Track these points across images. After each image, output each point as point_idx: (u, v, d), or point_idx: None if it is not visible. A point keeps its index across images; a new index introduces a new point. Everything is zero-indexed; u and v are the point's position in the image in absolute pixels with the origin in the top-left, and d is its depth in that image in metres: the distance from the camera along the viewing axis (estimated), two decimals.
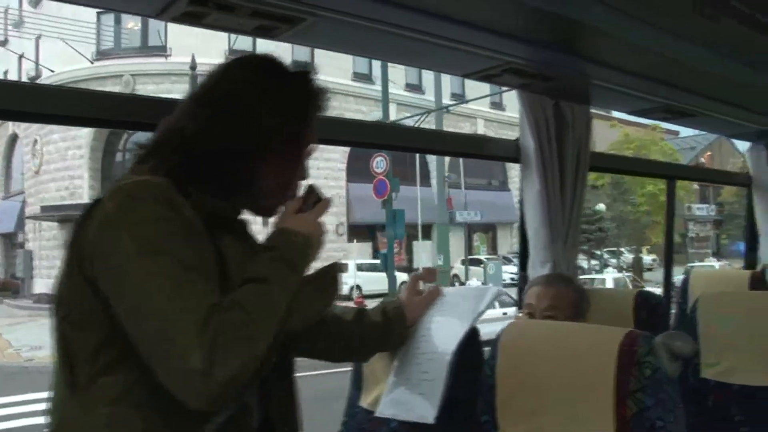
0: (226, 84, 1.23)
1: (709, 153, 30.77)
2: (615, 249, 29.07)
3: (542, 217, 2.50)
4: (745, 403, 2.06)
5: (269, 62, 1.26)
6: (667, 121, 3.29)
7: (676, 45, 2.03)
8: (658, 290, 3.84)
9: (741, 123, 3.42)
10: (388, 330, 1.55)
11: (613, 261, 28.81)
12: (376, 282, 18.83)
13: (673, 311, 3.36)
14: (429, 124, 17.92)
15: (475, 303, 1.59)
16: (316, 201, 1.27)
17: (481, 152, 2.59)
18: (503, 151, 2.64)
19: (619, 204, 27.36)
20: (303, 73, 1.27)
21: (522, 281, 2.56)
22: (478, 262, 24.17)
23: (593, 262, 27.75)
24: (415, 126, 14.23)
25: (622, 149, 25.94)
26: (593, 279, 20.41)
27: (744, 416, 2.06)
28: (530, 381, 1.45)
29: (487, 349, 1.62)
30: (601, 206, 27.18)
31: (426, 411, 1.53)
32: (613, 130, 24.72)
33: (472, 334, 1.62)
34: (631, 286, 17.49)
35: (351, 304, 16.07)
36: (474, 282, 20.26)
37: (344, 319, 1.52)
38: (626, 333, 1.34)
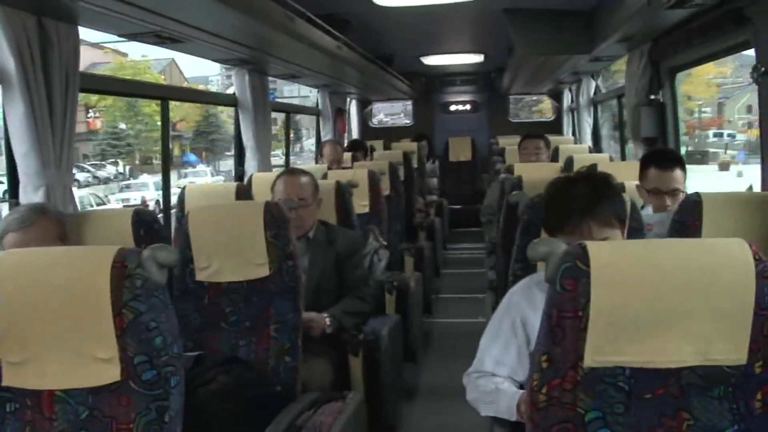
0: None
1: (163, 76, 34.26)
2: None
3: (31, 142, 2.41)
4: (232, 296, 2.40)
5: None
6: (159, 45, 3.41)
7: None
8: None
9: (226, 50, 3.77)
10: None
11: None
12: None
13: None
14: None
15: None
16: None
17: None
18: None
19: (135, 123, 32.76)
20: None
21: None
22: None
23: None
24: None
25: (117, 75, 27.69)
26: (133, 183, 25.18)
27: (232, 307, 2.40)
28: (27, 310, 1.47)
29: None
30: (123, 125, 32.53)
31: None
32: (107, 55, 26.04)
33: None
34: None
35: None
36: None
37: None
38: (116, 251, 1.45)
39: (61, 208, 2.49)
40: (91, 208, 14.68)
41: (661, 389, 1.26)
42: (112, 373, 1.45)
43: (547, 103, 16.30)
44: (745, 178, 19.02)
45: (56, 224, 2.14)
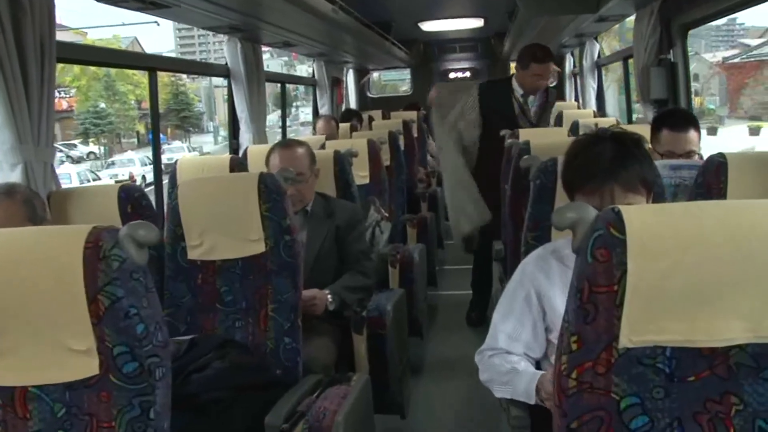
0: None
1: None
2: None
3: (5, 115, 2.24)
4: (226, 275, 2.24)
5: None
6: (144, 11, 3.26)
7: None
8: None
9: (215, 16, 3.59)
10: None
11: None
12: None
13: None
14: None
15: None
16: None
17: None
18: None
19: (113, 102, 35.82)
20: None
21: None
22: None
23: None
24: None
25: None
26: (118, 159, 27.74)
27: (227, 287, 2.25)
28: None
29: None
30: (102, 105, 35.17)
31: None
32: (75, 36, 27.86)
33: None
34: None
35: None
36: None
37: None
38: (89, 230, 1.29)
39: (42, 187, 2.35)
40: (80, 185, 15.11)
41: (706, 371, 1.11)
42: (89, 366, 1.29)
43: None
44: None
45: (23, 206, 1.99)
